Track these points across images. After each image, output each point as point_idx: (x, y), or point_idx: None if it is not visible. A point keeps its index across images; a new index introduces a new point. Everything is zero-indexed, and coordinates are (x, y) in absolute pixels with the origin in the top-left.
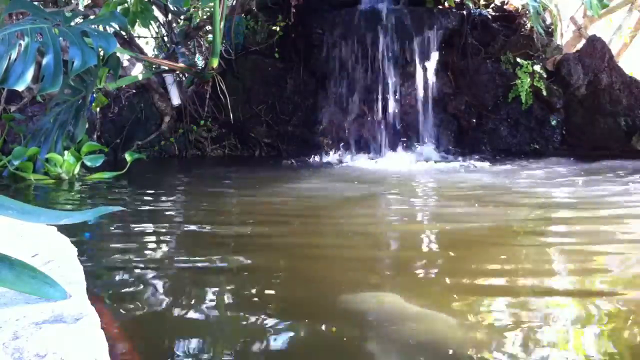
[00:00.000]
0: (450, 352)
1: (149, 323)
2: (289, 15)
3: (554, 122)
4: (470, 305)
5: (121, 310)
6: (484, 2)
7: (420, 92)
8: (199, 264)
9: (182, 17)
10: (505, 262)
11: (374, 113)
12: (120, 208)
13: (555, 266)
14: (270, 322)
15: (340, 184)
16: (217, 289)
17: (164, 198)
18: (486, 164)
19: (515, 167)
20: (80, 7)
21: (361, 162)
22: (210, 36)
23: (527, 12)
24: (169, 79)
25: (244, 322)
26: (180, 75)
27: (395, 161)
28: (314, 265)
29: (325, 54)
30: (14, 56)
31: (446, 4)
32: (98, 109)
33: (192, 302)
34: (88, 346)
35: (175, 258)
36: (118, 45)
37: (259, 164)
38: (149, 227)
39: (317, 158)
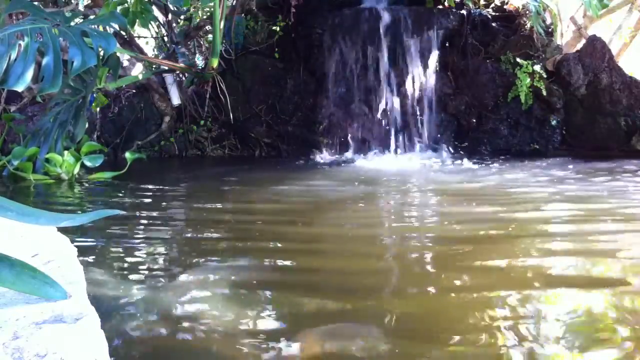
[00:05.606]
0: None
1: (147, 328)
2: (289, 15)
3: (554, 122)
4: (468, 305)
5: (117, 313)
6: (484, 2)
7: (420, 92)
8: (200, 265)
9: (182, 17)
10: (503, 261)
11: (374, 113)
12: (120, 212)
13: (552, 266)
14: (272, 325)
15: (340, 184)
16: (218, 291)
17: (164, 198)
18: (486, 164)
19: (515, 167)
20: (80, 7)
21: (361, 162)
22: (210, 36)
23: (527, 12)
24: (169, 79)
25: (244, 323)
26: (180, 75)
27: (394, 161)
28: (317, 273)
29: (325, 54)
30: (13, 56)
31: (446, 4)
32: (98, 109)
33: (192, 303)
34: (88, 346)
35: (175, 259)
36: (118, 45)
37: (259, 164)
38: (149, 227)
39: (317, 158)
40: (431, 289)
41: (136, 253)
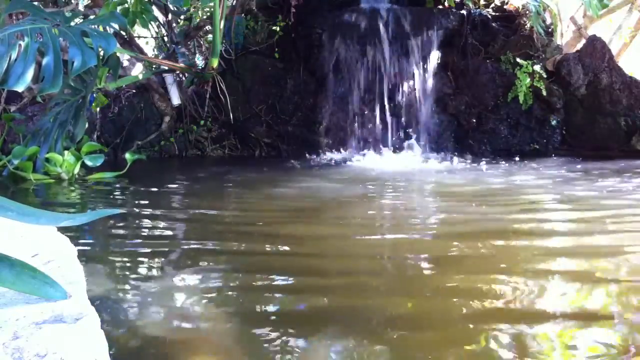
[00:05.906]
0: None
1: (146, 328)
2: (289, 15)
3: (554, 122)
4: (464, 306)
5: (117, 313)
6: (484, 2)
7: (420, 92)
8: (198, 267)
9: (182, 17)
10: (501, 262)
11: (374, 113)
12: (120, 211)
13: (548, 267)
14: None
15: (339, 184)
16: (218, 293)
17: (164, 199)
18: (486, 164)
19: (515, 168)
20: (80, 7)
21: (361, 162)
22: (210, 36)
23: (527, 12)
24: (169, 79)
25: (243, 327)
26: (180, 75)
27: (394, 161)
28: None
29: (325, 54)
30: (14, 56)
31: (446, 4)
32: (98, 109)
33: (191, 305)
34: (88, 346)
35: (175, 260)
36: (118, 45)
37: (259, 164)
38: (149, 227)
39: (316, 158)
40: (430, 316)
41: (136, 253)
